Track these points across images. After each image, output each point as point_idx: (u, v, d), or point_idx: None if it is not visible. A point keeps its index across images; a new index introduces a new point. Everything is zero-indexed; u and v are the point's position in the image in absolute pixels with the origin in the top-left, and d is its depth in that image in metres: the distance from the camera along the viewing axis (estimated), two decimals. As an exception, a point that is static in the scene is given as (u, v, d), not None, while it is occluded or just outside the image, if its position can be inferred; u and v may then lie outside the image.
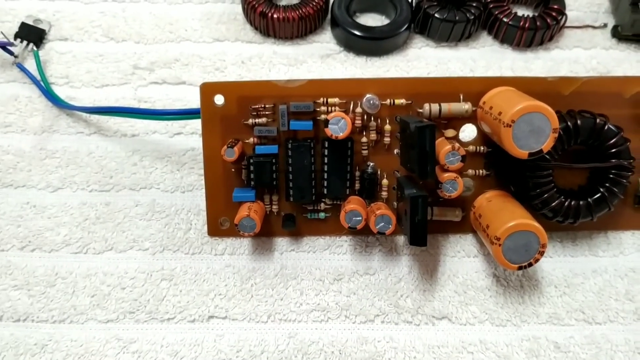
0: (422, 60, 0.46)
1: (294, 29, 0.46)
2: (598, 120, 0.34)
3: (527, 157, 0.32)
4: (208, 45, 0.46)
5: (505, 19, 0.45)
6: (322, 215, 0.37)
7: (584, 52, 0.47)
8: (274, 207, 0.37)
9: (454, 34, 0.46)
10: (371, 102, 0.35)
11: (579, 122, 0.34)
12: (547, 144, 0.31)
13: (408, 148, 0.33)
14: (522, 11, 0.49)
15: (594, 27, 0.48)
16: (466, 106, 0.35)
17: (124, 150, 0.41)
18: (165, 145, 0.41)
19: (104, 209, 0.39)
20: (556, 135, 0.31)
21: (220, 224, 0.37)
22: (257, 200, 0.37)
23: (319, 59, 0.46)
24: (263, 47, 0.46)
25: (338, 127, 0.33)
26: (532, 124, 0.31)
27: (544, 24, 0.45)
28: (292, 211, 0.37)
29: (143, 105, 0.43)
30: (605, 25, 0.48)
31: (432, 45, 0.47)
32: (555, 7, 0.46)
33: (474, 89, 0.35)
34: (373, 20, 0.48)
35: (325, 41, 0.47)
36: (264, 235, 0.38)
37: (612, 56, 0.47)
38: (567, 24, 0.48)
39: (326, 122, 0.33)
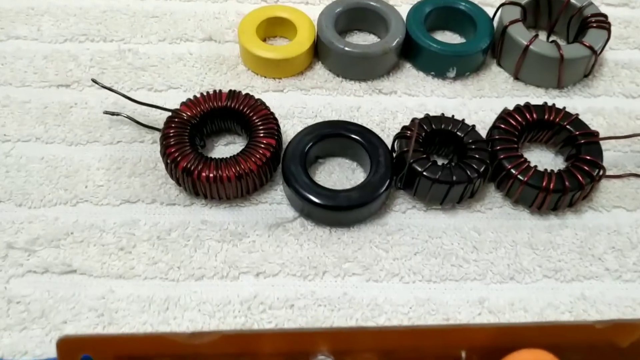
0: (408, 232, 0.33)
1: (230, 190, 0.33)
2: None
3: None
4: (113, 210, 0.34)
5: (521, 177, 0.33)
6: None
7: (626, 216, 0.35)
8: None
9: (450, 197, 0.33)
10: (320, 376, 0.22)
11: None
12: None
13: None
14: (541, 157, 0.37)
15: (638, 176, 0.36)
16: (469, 377, 0.23)
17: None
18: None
19: None
20: None
21: None
22: None
23: (265, 231, 0.33)
24: (189, 213, 0.34)
25: None
26: None
27: (576, 184, 0.33)
28: None
29: (13, 309, 0.31)
30: (654, 174, 0.36)
31: (420, 207, 0.35)
32: (589, 157, 0.34)
33: (476, 342, 0.23)
34: (339, 167, 0.36)
35: (275, 201, 0.34)
36: None
37: (667, 221, 0.35)
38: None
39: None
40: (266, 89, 0.39)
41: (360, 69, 0.39)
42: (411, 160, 0.33)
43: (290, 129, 0.37)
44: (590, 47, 0.38)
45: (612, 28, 0.42)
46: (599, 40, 0.38)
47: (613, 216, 0.35)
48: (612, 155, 0.37)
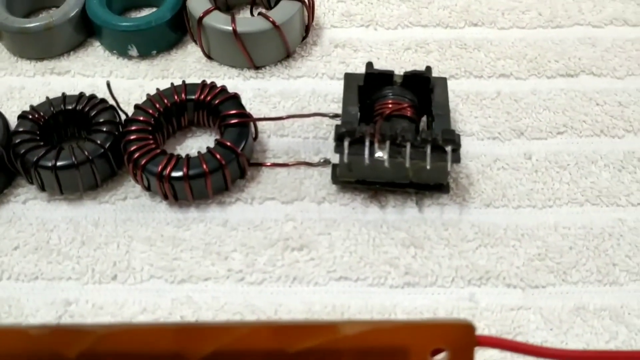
0: (17, 224, 0.29)
1: None
2: None
3: None
4: None
5: (140, 161, 0.29)
6: None
7: (277, 209, 0.30)
8: None
9: (67, 184, 0.29)
10: None
11: None
12: None
13: None
14: (207, 142, 0.32)
15: (309, 164, 0.32)
16: None
17: None
18: None
19: None
20: None
21: None
22: None
23: None
24: None
25: None
26: None
27: (199, 172, 0.29)
28: None
29: None
30: (327, 163, 0.32)
31: (44, 198, 0.30)
32: (227, 142, 0.30)
33: None
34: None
35: None
36: None
37: (325, 215, 0.30)
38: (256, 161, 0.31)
39: None
40: None
41: (30, 46, 0.35)
42: (17, 141, 0.29)
43: None
44: (272, 21, 0.34)
45: (341, 4, 0.39)
46: (288, 13, 0.34)
47: (262, 209, 0.30)
48: (286, 142, 0.33)
